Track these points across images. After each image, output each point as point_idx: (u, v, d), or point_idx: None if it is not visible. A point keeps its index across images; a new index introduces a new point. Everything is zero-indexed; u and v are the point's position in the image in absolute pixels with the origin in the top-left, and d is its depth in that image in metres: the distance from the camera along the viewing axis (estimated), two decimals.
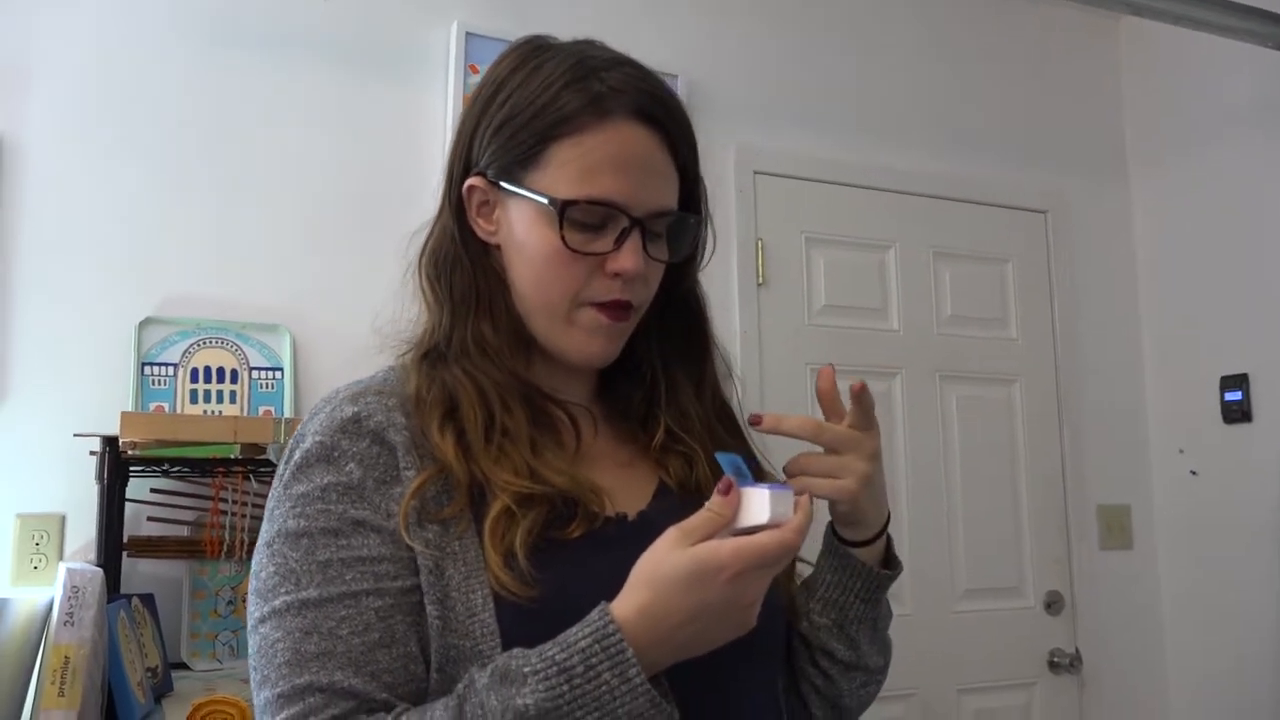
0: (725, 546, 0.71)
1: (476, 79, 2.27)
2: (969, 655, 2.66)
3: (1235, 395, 2.72)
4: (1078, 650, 2.77)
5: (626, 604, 0.73)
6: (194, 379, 2.02)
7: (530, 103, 0.87)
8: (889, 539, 0.97)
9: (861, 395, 0.89)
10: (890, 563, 0.98)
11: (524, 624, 0.77)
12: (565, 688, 0.70)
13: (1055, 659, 2.76)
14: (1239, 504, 2.71)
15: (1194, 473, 2.85)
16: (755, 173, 2.61)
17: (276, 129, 2.17)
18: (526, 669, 0.71)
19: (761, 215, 2.61)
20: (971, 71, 2.94)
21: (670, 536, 0.73)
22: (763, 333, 2.55)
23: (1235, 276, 2.76)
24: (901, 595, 2.51)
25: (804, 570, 1.01)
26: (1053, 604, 2.79)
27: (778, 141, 2.66)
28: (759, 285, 2.57)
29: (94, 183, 2.02)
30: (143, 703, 1.62)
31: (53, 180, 1.99)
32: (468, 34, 2.30)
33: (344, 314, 2.09)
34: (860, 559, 0.95)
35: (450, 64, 2.30)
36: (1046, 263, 2.95)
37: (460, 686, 0.74)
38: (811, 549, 1.00)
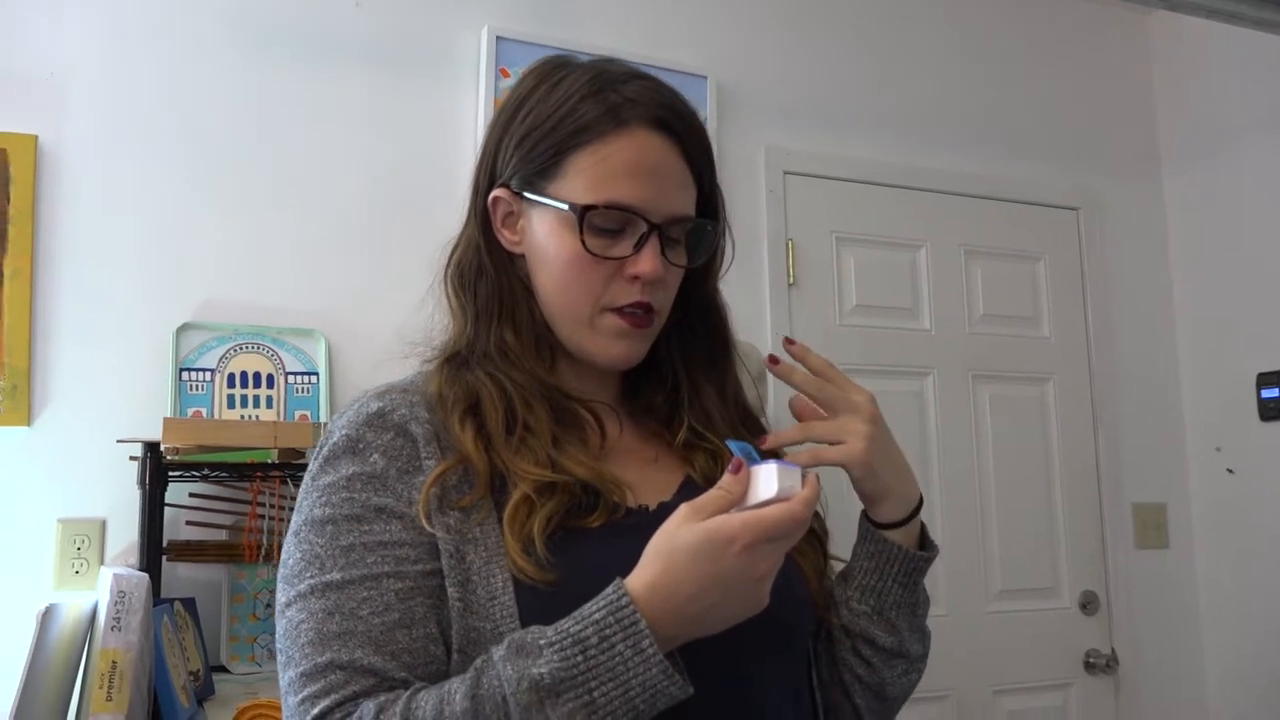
0: (735, 519, 0.73)
1: (507, 82, 2.29)
2: (1004, 656, 2.65)
3: (1272, 392, 2.69)
4: (1114, 650, 2.75)
5: (640, 578, 0.75)
6: (230, 384, 2.04)
7: (550, 115, 0.91)
8: (923, 522, 0.98)
9: (789, 349, 0.95)
10: (926, 545, 0.99)
11: (542, 607, 0.78)
12: (580, 658, 0.72)
13: (1091, 659, 2.74)
14: (1277, 501, 2.68)
15: (1231, 470, 2.82)
16: (785, 173, 2.60)
17: (310, 134, 2.18)
18: (542, 641, 0.73)
19: (791, 215, 2.60)
20: (1001, 69, 2.92)
21: (682, 512, 0.75)
22: (794, 333, 2.54)
23: (1271, 272, 2.73)
24: (936, 595, 2.47)
25: (838, 567, 1.02)
26: (1088, 604, 2.77)
27: (807, 142, 2.65)
28: (790, 286, 2.57)
29: (131, 190, 2.03)
30: (186, 706, 1.63)
31: (90, 187, 2.01)
32: (498, 38, 2.30)
33: (378, 317, 2.10)
34: (895, 542, 0.96)
35: (481, 67, 2.30)
36: (1079, 260, 2.92)
37: (479, 661, 0.76)
38: (846, 545, 1.01)
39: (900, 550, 0.96)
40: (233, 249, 2.09)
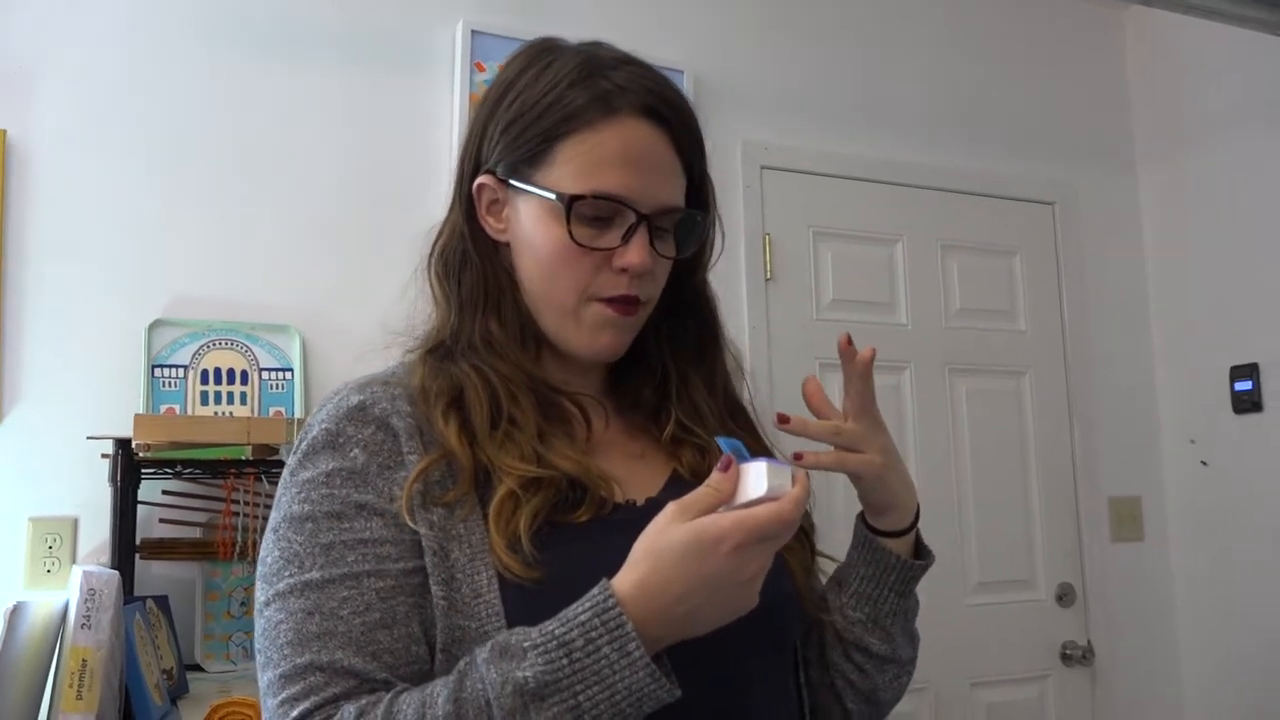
0: (724, 519, 0.71)
1: (482, 77, 2.28)
2: (981, 649, 2.66)
3: (1246, 385, 2.72)
4: (1090, 642, 2.77)
5: (626, 578, 0.73)
6: (204, 380, 2.02)
7: (538, 101, 0.88)
8: (918, 529, 0.98)
9: (846, 350, 0.91)
10: (921, 553, 0.98)
11: (528, 605, 0.77)
12: (564, 661, 0.70)
13: (1067, 651, 2.75)
14: (1250, 494, 2.71)
15: (1205, 463, 2.84)
16: (762, 168, 2.60)
17: (283, 129, 2.17)
18: (526, 644, 0.71)
19: (768, 210, 2.60)
20: (978, 64, 2.93)
21: (669, 511, 0.73)
22: (771, 328, 2.55)
23: (1244, 266, 2.75)
24: None
25: (827, 565, 1.01)
26: (1064, 596, 2.78)
27: (784, 136, 2.65)
28: (767, 280, 2.57)
29: (102, 185, 2.01)
30: (159, 705, 1.62)
31: (61, 183, 1.98)
32: (473, 32, 2.29)
33: (352, 313, 2.09)
34: (894, 551, 0.96)
35: (456, 62, 2.29)
36: (1055, 255, 2.94)
37: (461, 663, 0.74)
38: (840, 545, 1.00)
39: (898, 559, 0.95)
40: (205, 245, 2.07)
